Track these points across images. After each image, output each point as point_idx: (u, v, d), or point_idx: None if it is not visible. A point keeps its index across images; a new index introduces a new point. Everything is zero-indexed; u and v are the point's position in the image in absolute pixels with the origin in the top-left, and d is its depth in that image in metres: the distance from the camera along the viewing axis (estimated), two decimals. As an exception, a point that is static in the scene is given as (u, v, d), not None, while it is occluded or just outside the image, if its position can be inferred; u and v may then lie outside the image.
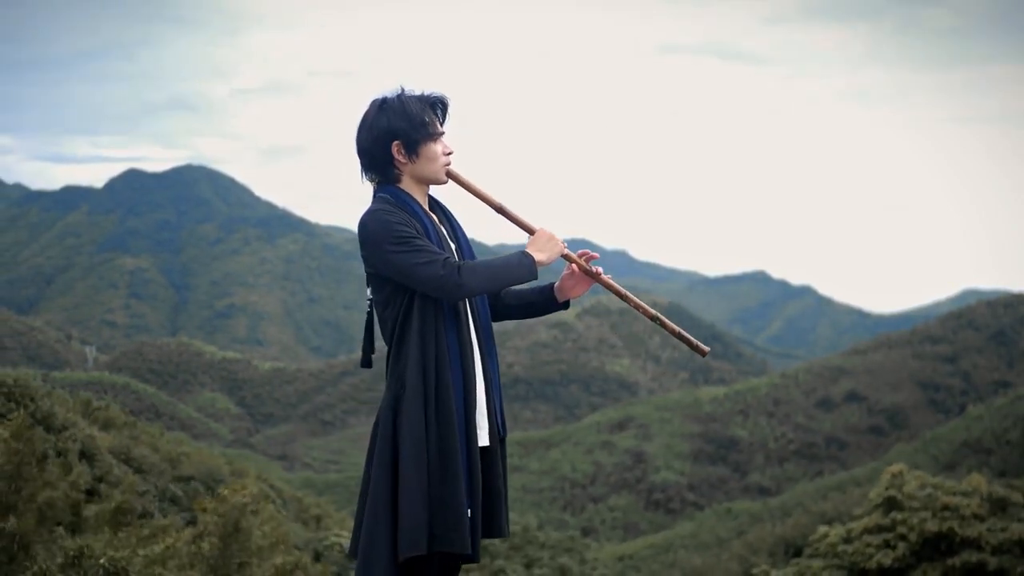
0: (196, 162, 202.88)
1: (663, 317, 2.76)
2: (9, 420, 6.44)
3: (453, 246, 2.72)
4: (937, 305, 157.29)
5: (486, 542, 22.16)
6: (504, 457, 2.73)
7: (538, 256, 2.63)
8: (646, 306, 2.73)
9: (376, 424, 2.61)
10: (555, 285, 2.84)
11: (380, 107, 2.62)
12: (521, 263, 2.60)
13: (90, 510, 9.28)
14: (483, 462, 2.63)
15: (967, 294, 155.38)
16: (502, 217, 2.74)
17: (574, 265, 2.78)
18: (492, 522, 2.64)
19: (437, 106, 2.66)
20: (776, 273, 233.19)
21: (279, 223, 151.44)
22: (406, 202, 2.63)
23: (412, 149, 2.62)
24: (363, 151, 2.66)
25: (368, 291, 2.67)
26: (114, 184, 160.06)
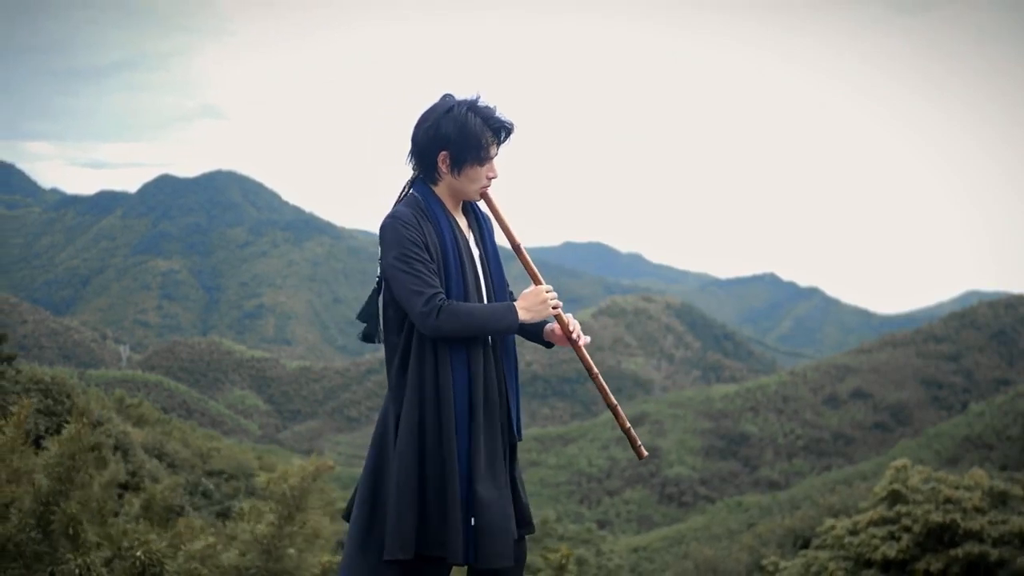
0: (226, 168, 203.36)
1: (620, 409, 2.74)
2: (68, 423, 6.53)
3: (477, 253, 2.68)
4: (940, 306, 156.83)
5: None
6: (515, 458, 2.73)
7: (523, 316, 2.59)
8: (609, 392, 2.72)
9: (381, 423, 2.63)
10: (546, 327, 2.78)
11: (445, 112, 2.58)
12: (504, 317, 2.56)
13: (129, 504, 9.46)
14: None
15: (969, 295, 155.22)
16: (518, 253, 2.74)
17: (558, 326, 2.72)
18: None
19: (501, 131, 2.62)
20: (785, 275, 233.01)
21: (306, 227, 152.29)
22: (433, 210, 2.61)
23: (457, 165, 2.59)
24: (415, 143, 2.63)
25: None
26: (147, 189, 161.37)
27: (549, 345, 2.81)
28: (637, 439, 2.78)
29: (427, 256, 2.53)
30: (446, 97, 2.61)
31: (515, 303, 2.63)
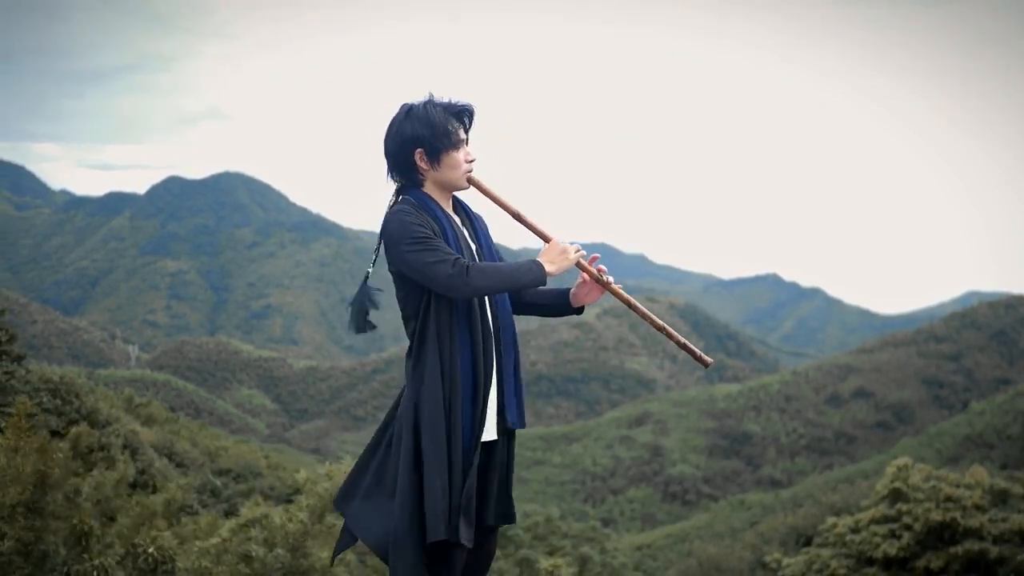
0: (233, 169, 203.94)
1: (669, 328, 2.73)
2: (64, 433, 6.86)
3: (473, 247, 2.73)
4: (941, 306, 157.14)
5: (510, 532, 22.79)
6: (511, 449, 2.76)
7: (548, 267, 2.63)
8: (653, 316, 2.73)
9: (397, 414, 2.67)
10: (571, 291, 2.83)
11: (406, 115, 2.65)
12: (531, 270, 2.60)
13: (140, 502, 9.30)
14: (485, 455, 2.68)
15: (970, 295, 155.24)
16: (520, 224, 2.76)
17: (585, 274, 2.77)
18: (482, 512, 2.69)
19: (463, 115, 2.68)
20: (787, 275, 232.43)
21: (313, 228, 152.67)
22: (427, 205, 2.67)
23: (434, 157, 2.65)
24: (388, 155, 2.69)
25: (371, 265, 2.72)
26: (156, 190, 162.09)
27: (579, 311, 2.85)
28: (696, 349, 2.76)
29: (433, 234, 2.59)
30: (401, 106, 2.70)
31: (538, 258, 2.66)
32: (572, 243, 2.70)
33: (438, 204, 2.70)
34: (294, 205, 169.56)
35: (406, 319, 2.66)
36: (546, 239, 2.72)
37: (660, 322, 2.72)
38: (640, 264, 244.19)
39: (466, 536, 2.56)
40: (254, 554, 7.39)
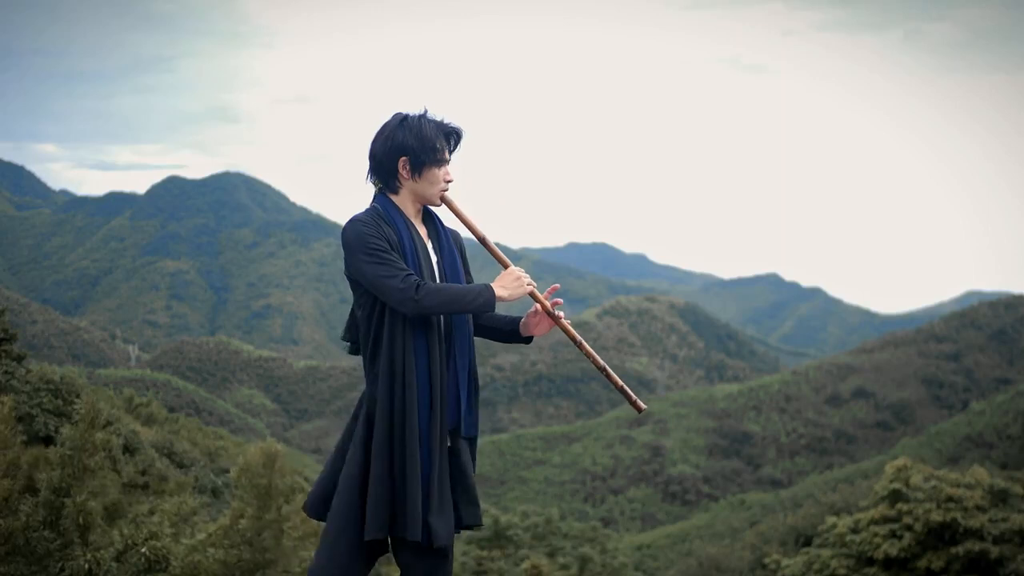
0: (234, 169, 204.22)
1: (609, 369, 2.80)
2: (75, 413, 6.68)
3: (435, 258, 2.79)
4: (941, 306, 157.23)
5: (509, 532, 22.60)
6: (473, 455, 2.81)
7: (499, 292, 2.67)
8: (596, 356, 2.80)
9: (359, 408, 2.76)
10: (521, 320, 2.88)
11: (400, 123, 2.73)
12: (481, 294, 2.65)
13: (138, 502, 9.65)
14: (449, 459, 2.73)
15: (970, 295, 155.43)
16: (486, 246, 2.82)
17: (538, 305, 2.81)
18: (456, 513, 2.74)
19: (451, 136, 2.77)
20: (788, 275, 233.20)
21: (313, 227, 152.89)
22: (392, 215, 2.75)
23: (417, 169, 2.73)
24: (373, 157, 2.77)
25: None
26: (156, 190, 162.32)
27: (528, 340, 2.91)
28: (632, 394, 2.81)
29: (389, 247, 2.66)
30: (396, 113, 2.78)
31: (493, 284, 2.71)
32: (526, 274, 2.76)
33: (403, 214, 2.77)
34: (294, 205, 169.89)
35: (359, 322, 2.74)
36: (505, 265, 2.79)
37: (602, 362, 2.81)
38: (640, 264, 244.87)
39: (412, 533, 2.59)
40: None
